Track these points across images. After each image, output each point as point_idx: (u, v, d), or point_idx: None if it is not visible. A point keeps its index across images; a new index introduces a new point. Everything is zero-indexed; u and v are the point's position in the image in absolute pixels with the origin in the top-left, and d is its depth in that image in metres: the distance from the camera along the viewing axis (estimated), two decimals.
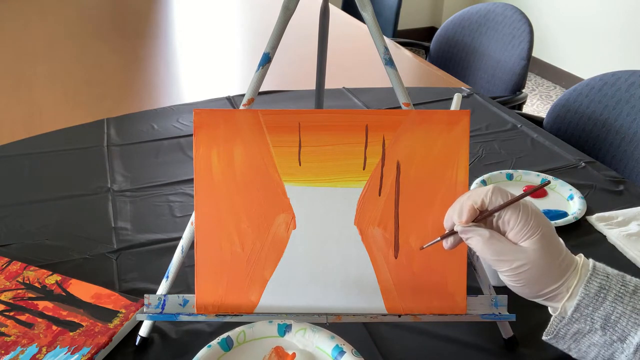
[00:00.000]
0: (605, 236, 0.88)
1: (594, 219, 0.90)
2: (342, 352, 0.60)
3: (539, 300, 0.53)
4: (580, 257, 0.53)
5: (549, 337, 0.53)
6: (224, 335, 0.62)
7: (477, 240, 0.52)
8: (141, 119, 1.23)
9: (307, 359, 0.60)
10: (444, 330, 0.70)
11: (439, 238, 0.56)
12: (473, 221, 0.53)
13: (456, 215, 0.54)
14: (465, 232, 0.53)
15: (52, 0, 2.13)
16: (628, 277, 0.52)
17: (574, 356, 0.53)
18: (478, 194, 0.53)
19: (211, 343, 0.61)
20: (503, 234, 0.53)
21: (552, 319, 0.53)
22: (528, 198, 0.53)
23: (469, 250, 0.61)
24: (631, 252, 0.83)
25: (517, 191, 0.96)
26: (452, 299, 0.57)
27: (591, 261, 0.53)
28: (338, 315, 0.61)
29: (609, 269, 0.52)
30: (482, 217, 0.53)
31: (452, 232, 0.55)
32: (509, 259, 0.51)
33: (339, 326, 0.62)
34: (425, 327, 0.70)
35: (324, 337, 0.62)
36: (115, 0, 2.19)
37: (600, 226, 0.89)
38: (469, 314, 0.61)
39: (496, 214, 0.52)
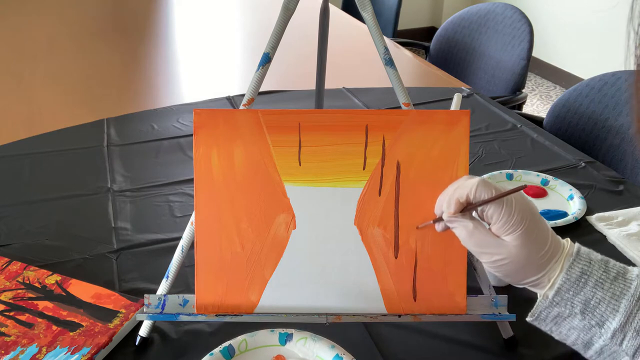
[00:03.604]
0: (605, 236, 0.88)
1: (594, 219, 0.90)
2: None
3: (522, 286, 0.55)
4: (567, 242, 0.54)
5: (531, 318, 0.54)
6: (226, 343, 0.62)
7: (461, 231, 0.55)
8: (141, 119, 1.23)
9: None
10: (444, 330, 0.70)
11: (431, 221, 0.59)
12: (461, 211, 0.55)
13: (445, 204, 0.56)
14: (451, 222, 0.55)
15: (52, 0, 2.13)
16: (612, 262, 0.53)
17: (556, 338, 0.55)
18: (465, 187, 0.54)
19: (213, 351, 0.62)
20: (489, 224, 0.54)
21: (537, 302, 0.54)
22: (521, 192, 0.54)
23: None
24: (631, 252, 0.83)
25: None
26: (452, 299, 0.57)
27: (576, 246, 0.54)
28: (338, 315, 0.61)
29: (594, 255, 0.53)
30: (469, 209, 0.55)
31: (442, 218, 0.57)
32: (490, 251, 0.53)
33: (339, 326, 0.62)
34: (425, 327, 0.70)
35: (324, 347, 0.62)
36: (115, 0, 2.19)
37: (600, 226, 0.89)
38: (469, 314, 0.61)
39: (480, 207, 0.54)
